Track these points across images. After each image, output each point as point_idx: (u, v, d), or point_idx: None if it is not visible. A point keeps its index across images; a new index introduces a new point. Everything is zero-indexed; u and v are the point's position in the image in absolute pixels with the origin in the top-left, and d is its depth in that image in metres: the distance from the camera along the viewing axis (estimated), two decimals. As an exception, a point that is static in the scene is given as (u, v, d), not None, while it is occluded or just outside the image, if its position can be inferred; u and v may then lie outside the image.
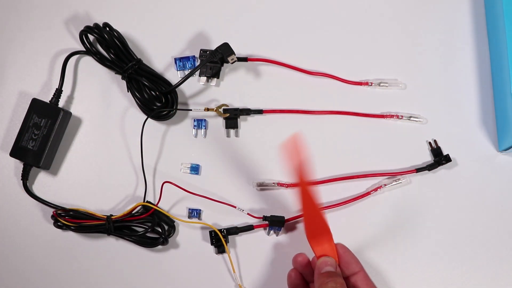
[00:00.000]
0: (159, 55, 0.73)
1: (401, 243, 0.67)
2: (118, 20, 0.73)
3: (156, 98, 0.69)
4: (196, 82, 0.71)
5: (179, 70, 0.72)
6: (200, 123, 0.71)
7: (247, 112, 0.70)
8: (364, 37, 0.73)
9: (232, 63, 0.69)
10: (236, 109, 0.70)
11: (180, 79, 0.68)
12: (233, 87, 0.72)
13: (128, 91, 0.70)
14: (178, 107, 0.70)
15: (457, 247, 0.67)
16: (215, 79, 0.71)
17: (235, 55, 0.68)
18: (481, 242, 0.67)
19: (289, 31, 0.74)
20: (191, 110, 0.71)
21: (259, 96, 0.72)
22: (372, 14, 0.74)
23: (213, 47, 0.72)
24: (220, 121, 0.71)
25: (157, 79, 0.69)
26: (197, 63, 0.73)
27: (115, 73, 0.70)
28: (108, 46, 0.69)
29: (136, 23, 0.74)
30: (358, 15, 0.74)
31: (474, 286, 0.66)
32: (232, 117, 0.70)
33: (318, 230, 0.57)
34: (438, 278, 0.66)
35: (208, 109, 0.70)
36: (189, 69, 0.72)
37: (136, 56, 0.70)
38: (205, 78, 0.71)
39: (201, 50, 0.72)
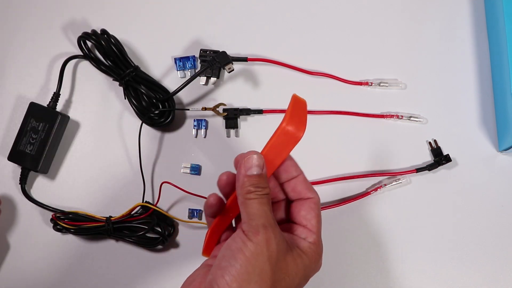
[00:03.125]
0: (160, 55, 0.73)
1: (401, 243, 0.68)
2: (116, 23, 0.73)
3: (153, 105, 0.69)
4: (196, 82, 0.71)
5: (179, 70, 0.72)
6: (200, 123, 0.71)
7: (247, 112, 0.70)
8: (364, 37, 0.73)
9: (229, 72, 0.69)
10: (236, 109, 0.70)
11: (178, 87, 0.68)
12: (233, 87, 0.72)
13: (125, 98, 0.70)
14: (174, 107, 0.70)
15: (457, 247, 0.67)
16: (215, 79, 0.71)
17: (232, 64, 0.69)
18: (481, 242, 0.67)
19: (289, 31, 0.73)
20: (188, 109, 0.71)
21: (259, 96, 0.71)
22: (372, 14, 0.73)
23: (213, 47, 0.72)
24: (220, 121, 0.71)
25: (154, 86, 0.69)
26: (197, 63, 0.72)
27: (113, 80, 0.70)
28: (105, 52, 0.69)
29: (136, 24, 0.74)
30: (358, 15, 0.73)
31: (474, 286, 0.66)
32: (232, 117, 0.70)
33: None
34: (438, 278, 0.67)
35: (205, 109, 0.69)
36: (188, 69, 0.72)
37: (133, 63, 0.70)
38: (205, 78, 0.71)
39: (201, 50, 0.71)
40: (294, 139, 0.46)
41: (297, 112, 0.47)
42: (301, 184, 0.50)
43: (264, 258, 0.43)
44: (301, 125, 0.46)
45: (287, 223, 0.50)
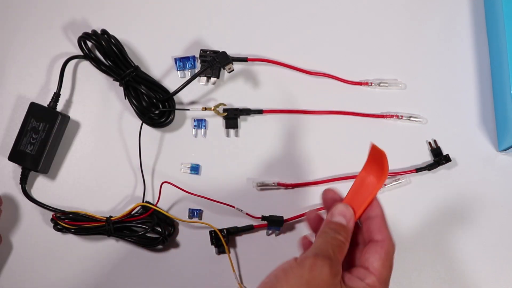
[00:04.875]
0: (160, 55, 0.73)
1: (400, 243, 0.67)
2: (116, 23, 0.73)
3: (153, 105, 0.69)
4: (196, 82, 0.71)
5: (179, 70, 0.72)
6: (200, 123, 0.71)
7: (247, 112, 0.70)
8: (364, 37, 0.73)
9: (229, 72, 0.69)
10: (236, 109, 0.70)
11: (178, 87, 0.68)
12: (233, 87, 0.72)
13: (125, 98, 0.70)
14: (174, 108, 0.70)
15: (457, 247, 0.67)
16: (215, 79, 0.71)
17: (232, 64, 0.69)
18: (481, 242, 0.67)
19: (289, 31, 0.73)
20: (188, 110, 0.71)
21: (259, 96, 0.71)
22: (372, 15, 0.74)
23: (213, 47, 0.72)
24: (220, 121, 0.71)
25: (155, 87, 0.69)
26: (197, 63, 0.72)
27: (113, 80, 0.70)
28: (105, 52, 0.69)
29: (136, 24, 0.74)
30: (359, 15, 0.74)
31: (474, 286, 0.66)
32: (232, 117, 0.70)
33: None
34: (438, 278, 0.67)
35: (205, 109, 0.69)
36: (189, 69, 0.72)
37: (133, 63, 0.70)
38: (205, 78, 0.71)
39: (201, 50, 0.71)
40: (373, 188, 0.47)
41: (376, 161, 0.47)
42: (374, 225, 0.48)
43: (302, 281, 0.42)
44: (381, 173, 0.46)
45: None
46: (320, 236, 0.46)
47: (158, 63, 0.73)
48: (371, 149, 0.47)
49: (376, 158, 0.47)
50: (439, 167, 0.69)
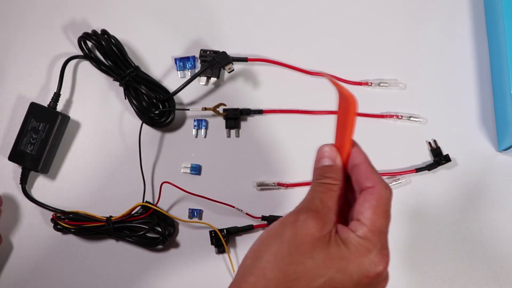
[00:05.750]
0: (160, 55, 0.73)
1: (400, 243, 0.68)
2: (116, 23, 0.73)
3: (153, 105, 0.69)
4: (196, 82, 0.71)
5: (179, 70, 0.72)
6: (200, 123, 0.71)
7: (247, 112, 0.70)
8: (365, 37, 0.73)
9: (229, 72, 0.69)
10: (236, 109, 0.70)
11: (178, 87, 0.68)
12: (233, 87, 0.72)
13: (125, 98, 0.70)
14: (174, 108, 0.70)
15: (457, 247, 0.67)
16: (215, 79, 0.71)
17: (232, 64, 0.69)
18: (481, 242, 0.67)
19: (289, 31, 0.73)
20: (188, 110, 0.71)
21: (259, 96, 0.71)
22: (372, 15, 0.74)
23: (213, 47, 0.72)
24: (220, 121, 0.71)
25: (155, 87, 0.69)
26: (197, 63, 0.73)
27: (113, 80, 0.70)
28: (106, 53, 0.69)
29: (136, 24, 0.74)
30: (359, 15, 0.74)
31: (474, 286, 0.66)
32: (232, 117, 0.70)
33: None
34: (438, 278, 0.67)
35: (205, 109, 0.69)
36: (189, 69, 0.72)
37: (133, 63, 0.70)
38: (205, 78, 0.71)
39: (201, 50, 0.71)
40: (347, 115, 0.42)
41: (341, 92, 0.43)
42: (361, 172, 0.43)
43: (283, 240, 0.40)
44: (349, 99, 0.41)
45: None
46: (309, 190, 0.43)
47: (158, 63, 0.73)
48: (335, 87, 0.43)
49: (339, 91, 0.43)
50: (439, 167, 0.68)
